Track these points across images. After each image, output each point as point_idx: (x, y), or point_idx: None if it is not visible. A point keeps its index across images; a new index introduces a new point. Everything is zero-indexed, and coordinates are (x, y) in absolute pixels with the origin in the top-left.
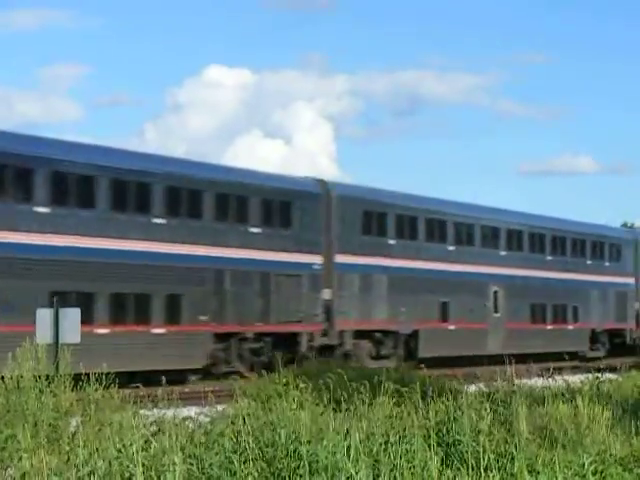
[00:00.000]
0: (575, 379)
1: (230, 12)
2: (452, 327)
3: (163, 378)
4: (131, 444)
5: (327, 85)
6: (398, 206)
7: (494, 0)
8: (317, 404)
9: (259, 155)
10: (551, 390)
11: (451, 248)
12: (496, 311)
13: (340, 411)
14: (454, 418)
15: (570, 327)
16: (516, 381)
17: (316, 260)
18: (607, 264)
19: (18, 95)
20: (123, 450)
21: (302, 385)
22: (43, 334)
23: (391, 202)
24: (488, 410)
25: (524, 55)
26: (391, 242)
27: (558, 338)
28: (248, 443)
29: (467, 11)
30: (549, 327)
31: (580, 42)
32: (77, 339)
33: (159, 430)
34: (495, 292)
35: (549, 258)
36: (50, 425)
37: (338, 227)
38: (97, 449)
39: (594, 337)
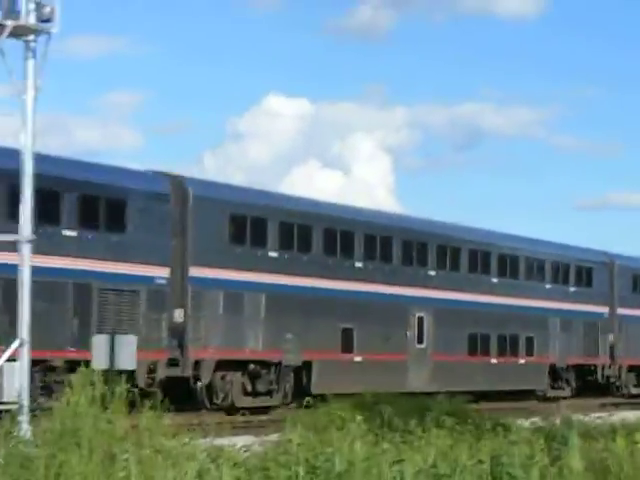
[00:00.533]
0: (630, 415)
1: (290, 42)
2: (358, 359)
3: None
4: (186, 473)
5: (386, 117)
6: (282, 211)
7: (552, 34)
8: (371, 435)
9: (317, 185)
10: (606, 426)
11: (359, 264)
12: (420, 341)
13: (394, 443)
14: (507, 453)
15: (522, 361)
16: (570, 416)
17: (161, 273)
18: (573, 289)
19: (77, 122)
20: (176, 477)
21: (357, 417)
22: (99, 360)
23: (273, 205)
24: (542, 445)
25: (582, 89)
26: (272, 254)
27: (506, 374)
28: (300, 474)
29: (526, 44)
30: (493, 361)
31: (638, 77)
32: (133, 365)
33: (214, 459)
34: (420, 318)
35: (495, 280)
36: (104, 451)
37: (195, 233)
38: (151, 477)
39: (556, 373)
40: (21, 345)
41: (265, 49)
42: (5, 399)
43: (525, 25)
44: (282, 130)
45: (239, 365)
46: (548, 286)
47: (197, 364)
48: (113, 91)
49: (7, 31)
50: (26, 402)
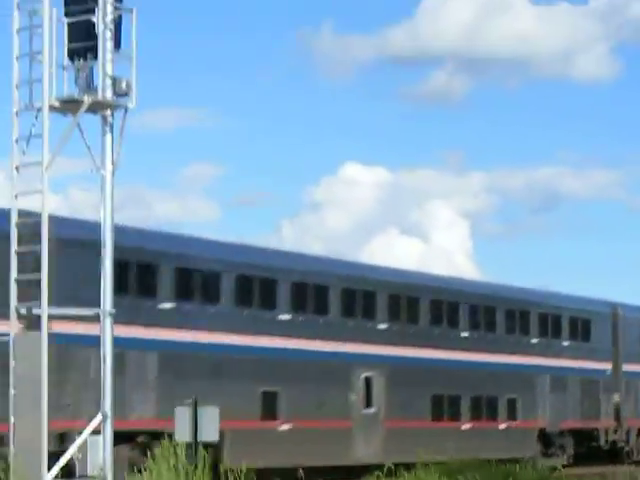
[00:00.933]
0: None
1: (365, 110)
2: (285, 427)
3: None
4: None
5: (463, 182)
6: (174, 256)
7: (628, 96)
8: None
9: (396, 253)
10: None
11: (284, 317)
12: (368, 405)
13: None
14: None
15: (502, 426)
16: None
17: None
18: (566, 344)
19: (156, 195)
20: None
21: None
22: (182, 432)
23: (167, 249)
24: None
25: None
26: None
27: (483, 441)
28: None
29: (602, 107)
30: (465, 426)
31: None
32: (215, 437)
33: None
34: (367, 379)
35: (464, 334)
36: None
37: None
38: None
39: (548, 439)
40: (104, 419)
41: (341, 118)
42: (89, 473)
43: (600, 88)
44: (360, 198)
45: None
46: (534, 340)
47: None
48: (191, 163)
49: (84, 107)
50: (110, 476)
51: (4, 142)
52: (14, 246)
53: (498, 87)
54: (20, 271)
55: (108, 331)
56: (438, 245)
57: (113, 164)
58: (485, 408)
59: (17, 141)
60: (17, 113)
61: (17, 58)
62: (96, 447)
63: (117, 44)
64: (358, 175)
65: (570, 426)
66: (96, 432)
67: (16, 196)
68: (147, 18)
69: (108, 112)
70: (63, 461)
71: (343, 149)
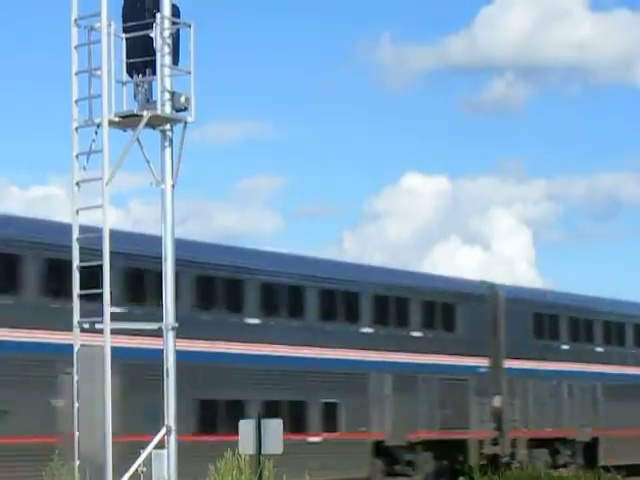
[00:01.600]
0: None
1: (425, 119)
2: None
3: None
4: None
5: (524, 190)
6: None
7: None
8: None
9: (458, 262)
10: None
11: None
12: None
13: None
14: None
15: (315, 439)
16: None
17: None
18: (417, 334)
19: (217, 207)
20: None
21: None
22: (245, 445)
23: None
24: None
25: None
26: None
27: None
28: None
29: None
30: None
31: None
32: (279, 450)
33: None
34: None
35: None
36: None
37: None
38: None
39: (392, 455)
40: (168, 432)
41: (402, 128)
42: None
43: None
44: (421, 208)
45: None
46: (365, 330)
47: None
48: (252, 176)
49: (144, 122)
50: None
51: (65, 158)
52: (76, 261)
53: (558, 94)
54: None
55: (171, 345)
56: (499, 253)
57: (173, 178)
58: (288, 417)
59: (77, 157)
60: (77, 129)
61: (76, 74)
62: (161, 461)
63: (176, 59)
64: (419, 184)
65: (427, 436)
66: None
67: (77, 211)
68: (206, 32)
69: (167, 127)
70: (128, 474)
71: (404, 159)
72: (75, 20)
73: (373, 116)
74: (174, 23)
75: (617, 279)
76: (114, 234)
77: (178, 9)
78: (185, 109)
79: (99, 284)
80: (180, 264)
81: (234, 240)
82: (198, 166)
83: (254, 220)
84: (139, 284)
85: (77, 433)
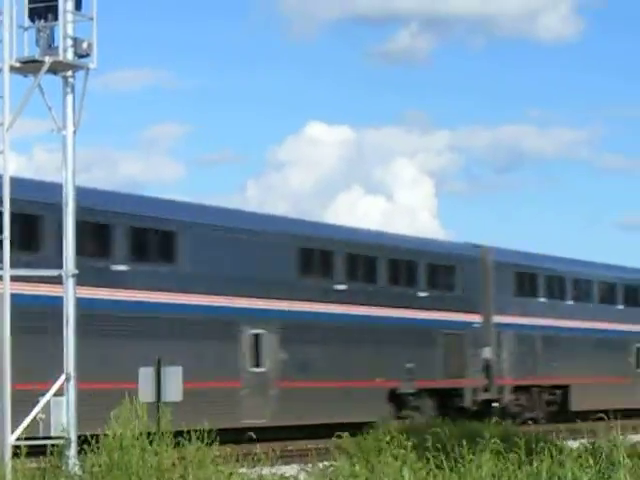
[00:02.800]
0: None
1: (329, 69)
2: None
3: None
4: None
5: (428, 141)
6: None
7: (592, 55)
8: (420, 462)
9: (360, 212)
10: None
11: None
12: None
13: (443, 468)
14: (559, 475)
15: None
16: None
17: None
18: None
19: (120, 155)
20: None
21: (405, 442)
22: (145, 392)
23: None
24: (592, 465)
25: (623, 109)
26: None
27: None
28: None
29: (566, 65)
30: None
31: None
32: (179, 397)
33: None
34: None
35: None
36: None
37: None
38: None
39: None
40: (67, 380)
41: (305, 78)
42: (53, 434)
43: (565, 46)
44: (324, 158)
45: None
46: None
47: None
48: (156, 124)
49: (45, 68)
50: (74, 437)
51: None
52: None
53: (462, 46)
54: None
55: (71, 292)
56: (402, 203)
57: (74, 125)
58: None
59: None
60: None
61: None
62: (60, 408)
63: (78, 4)
64: (322, 134)
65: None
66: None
67: None
68: None
69: (69, 73)
70: (26, 422)
71: (308, 108)
72: None
73: (277, 65)
74: None
75: (519, 230)
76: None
77: None
78: (87, 55)
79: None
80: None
81: (139, 189)
82: (102, 114)
83: (158, 168)
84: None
85: None
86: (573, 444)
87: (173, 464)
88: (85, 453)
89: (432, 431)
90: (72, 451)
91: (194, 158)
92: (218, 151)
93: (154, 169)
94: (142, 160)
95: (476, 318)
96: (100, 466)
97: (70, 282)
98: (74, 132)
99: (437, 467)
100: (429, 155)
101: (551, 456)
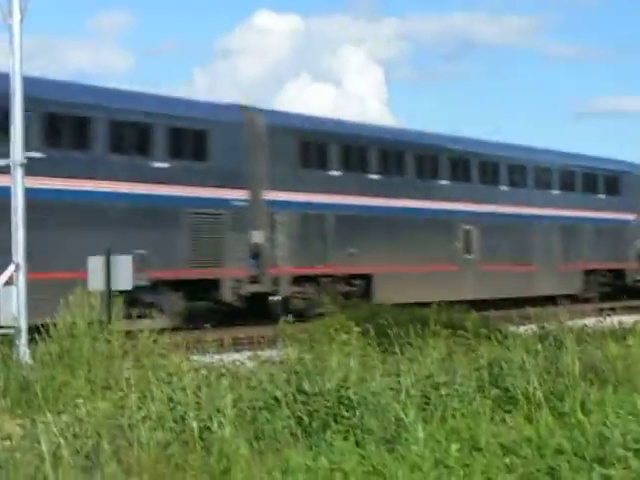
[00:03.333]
0: (629, 319)
1: None
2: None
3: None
4: (183, 388)
5: (376, 29)
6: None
7: None
8: (367, 348)
9: (309, 99)
10: (603, 330)
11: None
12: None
13: (390, 353)
14: (505, 359)
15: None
16: (568, 321)
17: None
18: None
19: (67, 44)
20: (175, 395)
21: (354, 328)
22: (95, 281)
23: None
24: (539, 350)
25: None
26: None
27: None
28: (295, 386)
29: None
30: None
31: None
32: (129, 285)
33: (208, 374)
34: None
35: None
36: (103, 371)
37: None
38: (150, 395)
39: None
40: (17, 269)
41: None
42: (3, 323)
43: None
44: (273, 46)
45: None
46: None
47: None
48: (103, 12)
49: None
50: (24, 326)
51: None
52: None
53: None
54: None
55: (19, 182)
56: (351, 91)
57: (21, 12)
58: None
59: None
60: None
61: None
62: (9, 297)
63: None
64: (271, 22)
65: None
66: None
67: None
68: None
69: None
70: None
71: None
72: None
73: None
74: None
75: (469, 117)
76: None
77: None
78: None
79: None
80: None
81: (87, 79)
82: (45, 2)
83: (105, 59)
84: None
85: None
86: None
87: (125, 352)
88: (36, 342)
89: (378, 318)
90: (22, 340)
91: (142, 47)
92: (166, 40)
93: (102, 59)
94: (90, 50)
95: (240, 195)
96: (50, 354)
97: (18, 171)
98: (21, 20)
99: (384, 352)
100: (378, 43)
101: (498, 342)
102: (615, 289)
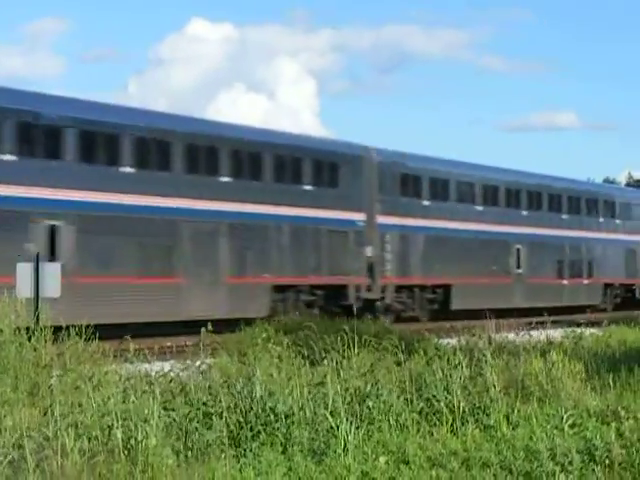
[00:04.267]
0: (556, 334)
1: None
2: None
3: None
4: (109, 397)
5: (311, 40)
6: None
7: None
8: (294, 357)
9: (242, 109)
10: (530, 344)
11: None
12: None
13: (317, 364)
14: (430, 371)
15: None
16: (495, 335)
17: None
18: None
19: (1, 50)
20: (102, 404)
21: (282, 339)
22: (23, 288)
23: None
24: (463, 364)
25: (508, 11)
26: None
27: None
28: (223, 396)
29: None
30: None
31: None
32: (57, 294)
33: (134, 383)
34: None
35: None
36: (30, 379)
37: None
38: (77, 403)
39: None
40: None
41: None
42: None
43: None
44: (207, 55)
45: None
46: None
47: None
48: (37, 19)
49: None
50: None
51: None
52: None
53: None
54: None
55: None
56: (284, 102)
57: None
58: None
59: None
60: None
61: None
62: None
63: None
64: (205, 31)
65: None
66: None
67: None
68: None
69: None
70: None
71: (188, 4)
72: None
73: None
74: None
75: (402, 129)
76: None
77: None
78: None
79: None
80: None
81: (21, 84)
82: None
83: (40, 64)
84: None
85: None
86: (451, 342)
87: (51, 359)
88: None
89: (305, 327)
90: None
91: (76, 54)
92: (100, 47)
93: (36, 65)
94: (23, 55)
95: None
96: None
97: None
98: None
99: (310, 362)
100: (312, 54)
101: (425, 354)
102: (627, 301)
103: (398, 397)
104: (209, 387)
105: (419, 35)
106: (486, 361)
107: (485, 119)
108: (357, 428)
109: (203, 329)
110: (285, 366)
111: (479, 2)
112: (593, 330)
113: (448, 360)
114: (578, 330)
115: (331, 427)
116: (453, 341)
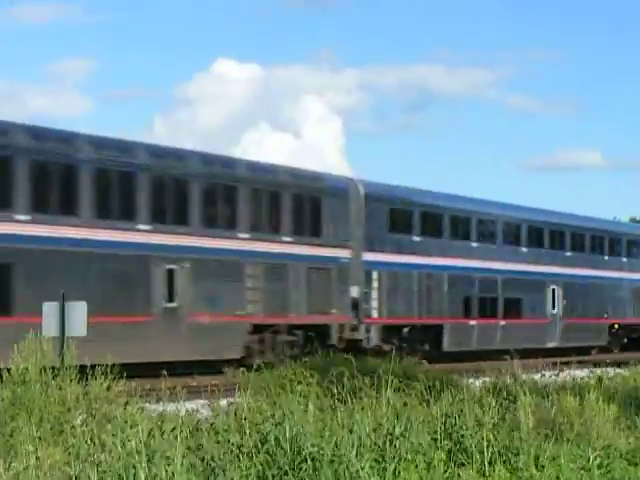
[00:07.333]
0: (582, 374)
1: (239, 6)
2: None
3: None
4: (133, 437)
5: (337, 79)
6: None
7: None
8: (322, 397)
9: (268, 149)
10: (557, 384)
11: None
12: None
13: (345, 403)
14: (459, 412)
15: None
16: (522, 375)
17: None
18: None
19: (29, 90)
20: (126, 443)
21: (309, 379)
22: (49, 327)
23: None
24: (493, 404)
25: (533, 50)
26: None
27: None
28: (251, 437)
29: (476, 6)
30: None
31: (588, 36)
32: (83, 332)
33: (161, 423)
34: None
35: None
36: (55, 419)
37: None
38: (101, 443)
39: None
40: None
41: (214, 13)
42: None
43: None
44: (233, 95)
45: None
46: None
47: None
48: (63, 59)
49: None
50: None
51: None
52: None
53: None
54: None
55: None
56: (310, 141)
57: None
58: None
59: None
60: None
61: None
62: None
63: None
64: (231, 71)
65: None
66: None
67: None
68: None
69: None
70: None
71: (216, 45)
72: None
73: (184, 1)
74: None
75: (427, 168)
76: None
77: None
78: None
79: None
80: None
81: (48, 123)
82: (8, 48)
83: (66, 104)
84: None
85: None
86: (475, 383)
87: (77, 399)
88: None
89: (335, 368)
90: None
91: (102, 94)
92: (126, 87)
93: (62, 104)
94: (49, 95)
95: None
96: (2, 400)
97: None
98: None
99: (340, 401)
100: (338, 93)
101: (452, 394)
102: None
103: (426, 438)
104: (237, 426)
105: (444, 74)
106: (517, 401)
107: (509, 158)
108: (384, 470)
109: (226, 369)
110: (314, 405)
111: (504, 41)
112: (619, 370)
113: (480, 400)
114: (607, 370)
115: (357, 470)
116: (478, 382)
